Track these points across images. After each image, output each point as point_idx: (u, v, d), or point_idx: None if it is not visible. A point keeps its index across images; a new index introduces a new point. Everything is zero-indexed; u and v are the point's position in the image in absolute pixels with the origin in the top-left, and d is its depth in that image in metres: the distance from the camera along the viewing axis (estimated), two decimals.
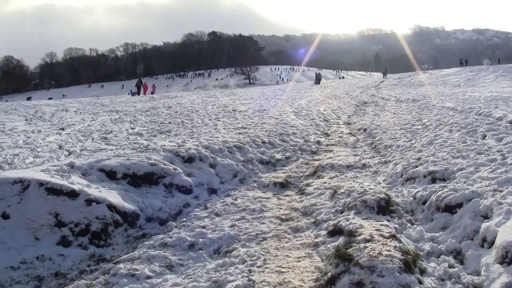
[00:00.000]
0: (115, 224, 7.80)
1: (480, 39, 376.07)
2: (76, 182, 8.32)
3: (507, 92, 29.07)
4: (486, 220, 6.59)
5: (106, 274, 6.22)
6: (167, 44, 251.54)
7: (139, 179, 9.67)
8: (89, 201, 7.78)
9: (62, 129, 17.49)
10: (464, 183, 8.44)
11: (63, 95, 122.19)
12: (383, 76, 71.58)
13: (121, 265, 6.35)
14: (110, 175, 9.51)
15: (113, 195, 8.44)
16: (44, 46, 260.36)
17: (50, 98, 65.76)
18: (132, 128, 17.58)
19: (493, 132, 13.03)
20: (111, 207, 7.93)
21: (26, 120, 20.37)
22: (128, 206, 8.36)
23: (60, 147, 13.54)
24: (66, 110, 24.19)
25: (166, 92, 79.94)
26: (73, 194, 7.82)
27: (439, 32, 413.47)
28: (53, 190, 7.77)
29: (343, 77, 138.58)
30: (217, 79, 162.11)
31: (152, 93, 57.62)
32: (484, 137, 12.79)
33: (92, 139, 15.19)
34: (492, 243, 5.85)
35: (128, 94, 67.75)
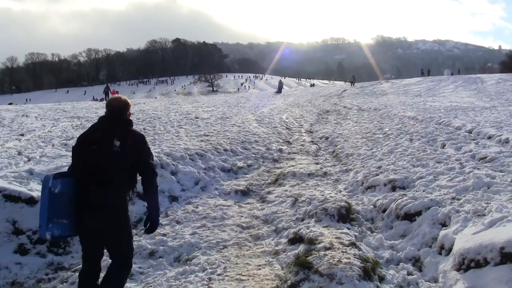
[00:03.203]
0: None
1: (441, 50, 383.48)
2: (35, 189, 8.16)
3: (466, 102, 29.56)
4: (444, 227, 6.69)
5: (64, 283, 6.15)
6: (131, 51, 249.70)
7: None
8: None
9: (22, 135, 17.15)
10: (424, 191, 8.55)
11: (26, 99, 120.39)
12: (351, 85, 71.56)
13: None
14: None
15: None
16: (3, 50, 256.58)
17: (10, 103, 64.72)
18: None
19: (452, 141, 13.24)
20: None
21: None
22: None
23: (19, 153, 13.28)
24: (27, 116, 23.74)
25: (130, 99, 79.20)
26: (31, 201, 7.69)
27: (401, 42, 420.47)
28: (11, 197, 7.63)
29: (313, 85, 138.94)
30: (181, 87, 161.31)
31: None
32: (443, 146, 12.98)
33: (53, 145, 14.93)
34: (449, 250, 5.94)
35: (92, 100, 67.60)
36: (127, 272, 5.25)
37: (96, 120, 5.24)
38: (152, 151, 5.27)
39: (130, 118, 5.36)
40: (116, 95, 5.38)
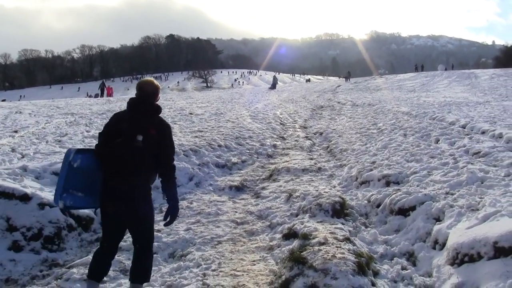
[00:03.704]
0: (68, 228, 7.66)
1: (435, 45, 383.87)
2: (29, 186, 8.14)
3: (460, 97, 29.57)
4: (438, 222, 6.71)
5: (59, 279, 6.11)
6: (125, 47, 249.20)
7: None
8: (42, 205, 7.62)
9: (16, 131, 17.05)
10: (417, 186, 8.57)
11: (20, 96, 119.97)
12: (346, 80, 71.35)
13: (75, 270, 6.24)
14: None
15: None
16: None
17: (3, 100, 64.49)
18: (87, 131, 17.26)
19: (446, 136, 13.24)
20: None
21: None
22: (82, 210, 8.22)
23: (13, 150, 13.21)
24: (20, 112, 23.61)
25: (123, 95, 79.02)
26: (25, 198, 7.65)
27: (395, 37, 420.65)
28: (5, 194, 7.59)
29: (308, 80, 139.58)
30: (175, 83, 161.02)
31: (108, 95, 57.52)
32: (437, 141, 12.98)
33: (46, 142, 14.85)
34: (443, 245, 5.96)
35: (86, 97, 67.62)
36: (151, 256, 5.43)
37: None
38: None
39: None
40: (146, 78, 5.43)
